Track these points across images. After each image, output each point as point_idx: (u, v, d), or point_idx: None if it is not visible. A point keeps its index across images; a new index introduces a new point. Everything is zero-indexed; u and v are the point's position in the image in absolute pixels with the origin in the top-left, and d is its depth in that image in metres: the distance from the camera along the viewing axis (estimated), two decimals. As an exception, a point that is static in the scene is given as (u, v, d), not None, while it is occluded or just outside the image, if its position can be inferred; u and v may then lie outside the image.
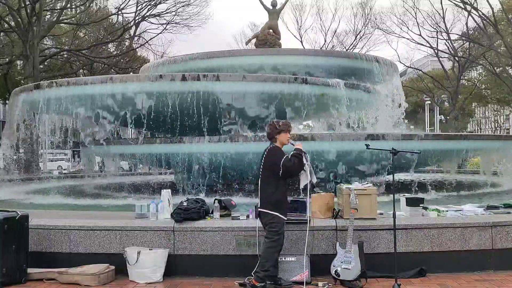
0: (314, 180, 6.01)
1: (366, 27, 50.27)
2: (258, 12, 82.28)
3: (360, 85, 14.55)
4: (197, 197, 8.18)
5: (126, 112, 11.80)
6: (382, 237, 6.39)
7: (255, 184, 6.46)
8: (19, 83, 32.77)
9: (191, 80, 11.55)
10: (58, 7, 35.02)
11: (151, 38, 41.74)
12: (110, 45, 43.55)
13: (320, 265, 6.12)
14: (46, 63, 38.20)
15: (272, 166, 5.83)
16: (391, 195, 6.15)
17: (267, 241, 5.80)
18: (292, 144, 5.98)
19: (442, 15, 43.75)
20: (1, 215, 6.05)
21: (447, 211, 6.98)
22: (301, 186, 5.96)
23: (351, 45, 50.76)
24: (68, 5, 35.24)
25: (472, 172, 19.04)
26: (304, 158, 5.86)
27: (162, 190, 6.98)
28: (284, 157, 5.82)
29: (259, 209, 5.97)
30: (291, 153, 5.89)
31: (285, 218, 5.90)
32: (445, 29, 44.43)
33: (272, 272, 5.71)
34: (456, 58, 46.63)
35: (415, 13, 44.82)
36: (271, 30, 18.32)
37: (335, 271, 5.93)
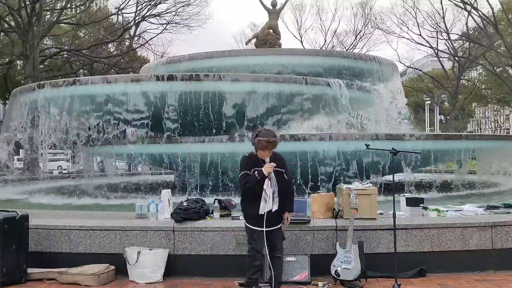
0: (275, 208, 5.27)
1: (366, 27, 50.48)
2: (258, 12, 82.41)
3: (361, 85, 14.55)
4: (197, 197, 8.18)
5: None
6: (382, 237, 6.39)
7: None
8: (19, 83, 32.84)
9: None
10: (58, 7, 35.07)
11: (151, 38, 41.89)
12: (110, 45, 43.63)
13: (320, 265, 6.12)
14: (46, 63, 38.27)
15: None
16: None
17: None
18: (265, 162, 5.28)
19: (442, 15, 43.87)
20: (1, 215, 6.05)
21: (447, 211, 6.98)
22: (260, 212, 5.24)
23: (351, 45, 50.91)
24: (68, 5, 35.29)
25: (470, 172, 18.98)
26: (267, 182, 5.21)
27: (162, 190, 6.98)
28: (242, 172, 5.32)
29: None
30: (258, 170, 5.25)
31: (254, 228, 5.36)
32: (445, 29, 44.52)
33: (255, 279, 5.50)
34: (456, 58, 46.70)
35: (415, 13, 44.98)
36: (271, 30, 18.33)
37: (335, 271, 5.93)
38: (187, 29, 40.88)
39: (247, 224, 5.52)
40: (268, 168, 5.21)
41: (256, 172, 5.22)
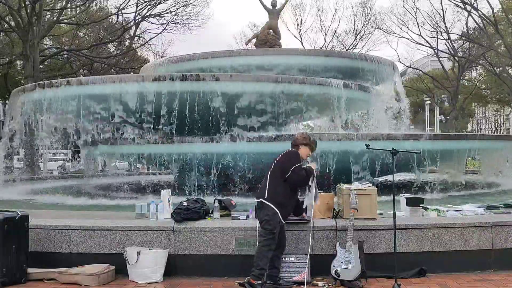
0: (317, 203, 6.18)
1: (366, 27, 50.43)
2: (258, 12, 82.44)
3: (360, 85, 14.54)
4: (197, 197, 8.18)
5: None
6: (382, 237, 6.39)
7: (259, 177, 6.43)
8: (19, 83, 32.82)
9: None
10: (58, 7, 35.02)
11: (151, 38, 41.80)
12: (110, 45, 43.58)
13: (320, 265, 6.12)
14: (46, 63, 38.24)
15: (283, 165, 5.86)
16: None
17: (261, 240, 5.78)
18: (307, 161, 6.01)
19: (442, 15, 43.90)
20: (1, 215, 6.05)
21: (447, 211, 6.98)
22: (305, 205, 6.12)
23: (351, 45, 50.88)
24: (68, 5, 35.25)
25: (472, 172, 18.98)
26: (312, 178, 5.96)
27: (162, 190, 6.98)
28: (298, 164, 5.85)
29: (260, 200, 5.83)
30: (304, 166, 6.00)
31: (283, 221, 5.85)
32: (445, 29, 44.53)
33: (265, 270, 5.69)
34: (456, 58, 46.69)
35: (415, 13, 45.02)
36: (271, 30, 18.32)
37: (335, 271, 5.93)
38: (187, 29, 40.77)
39: (278, 212, 5.74)
40: (313, 165, 6.06)
41: (307, 169, 5.93)
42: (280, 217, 5.78)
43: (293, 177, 5.78)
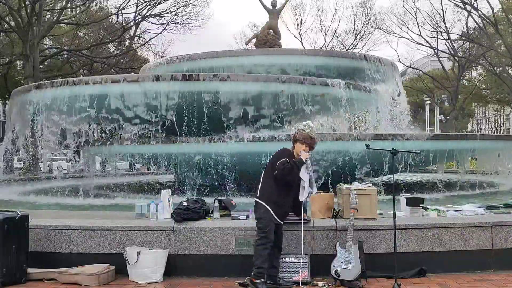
0: (314, 191, 6.10)
1: (366, 27, 50.54)
2: (258, 12, 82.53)
3: (361, 85, 14.53)
4: (197, 197, 8.18)
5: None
6: (382, 237, 6.38)
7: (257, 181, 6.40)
8: (19, 83, 32.83)
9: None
10: (58, 7, 35.06)
11: (151, 38, 41.87)
12: (110, 45, 43.61)
13: (320, 265, 6.12)
14: (46, 63, 38.31)
15: (273, 163, 5.87)
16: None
17: (256, 239, 5.82)
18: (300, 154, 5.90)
19: (442, 15, 43.94)
20: (1, 215, 6.05)
21: (447, 211, 6.97)
22: (301, 199, 5.97)
23: (351, 45, 50.95)
24: (68, 5, 35.28)
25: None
26: (304, 169, 5.80)
27: (162, 190, 6.97)
28: (283, 159, 5.80)
29: (255, 199, 5.91)
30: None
31: (278, 220, 5.83)
32: (445, 29, 44.58)
33: (264, 268, 5.68)
34: (456, 58, 46.71)
35: (415, 13, 45.09)
36: (271, 30, 18.32)
37: (335, 271, 5.92)
38: (187, 29, 40.85)
39: (269, 210, 5.73)
40: (305, 154, 5.84)
41: (294, 160, 5.81)
42: (274, 215, 5.76)
43: (278, 172, 5.74)
